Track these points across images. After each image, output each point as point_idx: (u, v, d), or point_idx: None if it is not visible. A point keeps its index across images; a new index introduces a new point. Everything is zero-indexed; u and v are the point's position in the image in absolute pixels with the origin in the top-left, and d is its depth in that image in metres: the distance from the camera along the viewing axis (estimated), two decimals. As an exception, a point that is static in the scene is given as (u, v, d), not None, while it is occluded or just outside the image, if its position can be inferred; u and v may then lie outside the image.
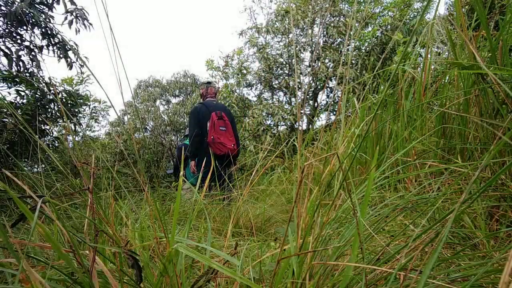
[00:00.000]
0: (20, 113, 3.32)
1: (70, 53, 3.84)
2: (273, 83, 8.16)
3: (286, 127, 7.64)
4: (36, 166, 3.59)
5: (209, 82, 3.37)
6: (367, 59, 7.08)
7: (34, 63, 3.58)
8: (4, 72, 3.37)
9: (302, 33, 7.70)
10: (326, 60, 7.35)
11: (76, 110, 4.48)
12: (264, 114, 7.26)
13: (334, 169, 0.86)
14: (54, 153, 4.09)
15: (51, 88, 3.61)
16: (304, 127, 7.75)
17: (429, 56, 1.63)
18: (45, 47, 3.76)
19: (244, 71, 8.24)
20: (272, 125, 7.62)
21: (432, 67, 1.62)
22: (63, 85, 4.59)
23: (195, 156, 3.15)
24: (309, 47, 7.63)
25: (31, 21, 3.50)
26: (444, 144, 1.35)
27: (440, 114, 1.38)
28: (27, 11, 3.37)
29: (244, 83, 8.37)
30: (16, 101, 3.54)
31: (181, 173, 0.73)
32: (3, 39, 3.45)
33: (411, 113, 1.58)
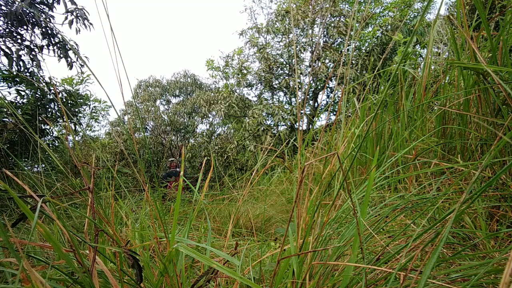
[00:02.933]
0: (20, 113, 3.32)
1: (70, 52, 3.84)
2: (273, 83, 8.16)
3: (286, 127, 7.64)
4: (36, 166, 3.59)
5: (172, 160, 5.82)
6: (367, 59, 7.08)
7: (34, 62, 3.58)
8: (5, 72, 3.36)
9: (302, 33, 7.70)
10: (326, 60, 7.35)
11: (76, 109, 4.49)
12: (264, 114, 7.26)
13: (334, 169, 0.86)
14: (54, 152, 4.09)
15: (51, 88, 3.61)
16: (304, 127, 7.75)
17: (429, 56, 1.63)
18: (45, 46, 3.76)
19: (244, 71, 8.24)
20: (272, 125, 7.62)
21: (432, 67, 1.62)
22: (63, 85, 4.60)
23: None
24: (309, 47, 7.63)
25: (31, 21, 3.50)
26: (444, 144, 1.35)
27: (441, 115, 1.38)
28: (27, 11, 3.37)
29: (244, 83, 8.37)
30: (16, 101, 3.54)
31: (181, 173, 0.74)
32: (4, 38, 3.45)
33: (411, 114, 1.58)
